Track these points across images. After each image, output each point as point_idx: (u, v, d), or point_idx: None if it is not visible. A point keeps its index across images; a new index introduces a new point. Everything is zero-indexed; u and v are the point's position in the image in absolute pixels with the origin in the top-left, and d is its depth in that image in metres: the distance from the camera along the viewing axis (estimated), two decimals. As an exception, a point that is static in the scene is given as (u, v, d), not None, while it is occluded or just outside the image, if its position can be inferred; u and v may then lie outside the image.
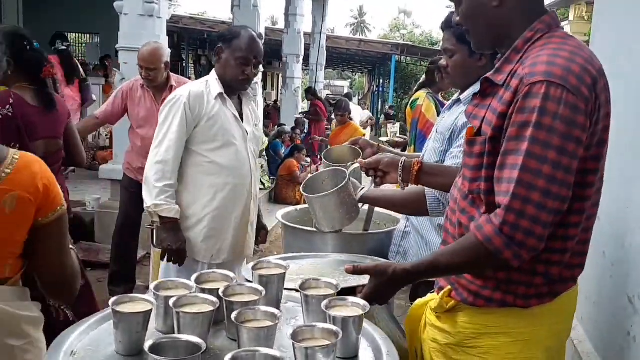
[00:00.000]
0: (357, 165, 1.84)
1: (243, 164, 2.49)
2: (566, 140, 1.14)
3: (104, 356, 1.14)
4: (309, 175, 1.81)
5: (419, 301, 1.54)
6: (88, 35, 13.61)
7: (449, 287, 1.36)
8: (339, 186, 1.69)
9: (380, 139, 8.46)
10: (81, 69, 6.42)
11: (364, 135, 7.72)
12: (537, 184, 1.14)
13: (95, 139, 8.60)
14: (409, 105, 4.37)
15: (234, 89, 2.49)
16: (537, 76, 1.16)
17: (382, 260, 1.93)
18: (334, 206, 1.72)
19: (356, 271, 1.38)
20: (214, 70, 2.52)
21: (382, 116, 12.02)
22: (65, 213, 1.33)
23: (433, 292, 1.50)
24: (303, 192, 1.77)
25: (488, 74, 1.31)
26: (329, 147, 2.07)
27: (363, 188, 2.21)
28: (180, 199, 2.42)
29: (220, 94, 2.43)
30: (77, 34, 13.96)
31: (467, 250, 1.24)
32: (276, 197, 7.81)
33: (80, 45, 14.16)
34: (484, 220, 1.20)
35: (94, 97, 6.69)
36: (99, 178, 6.66)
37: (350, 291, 1.44)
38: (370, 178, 2.43)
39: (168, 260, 2.42)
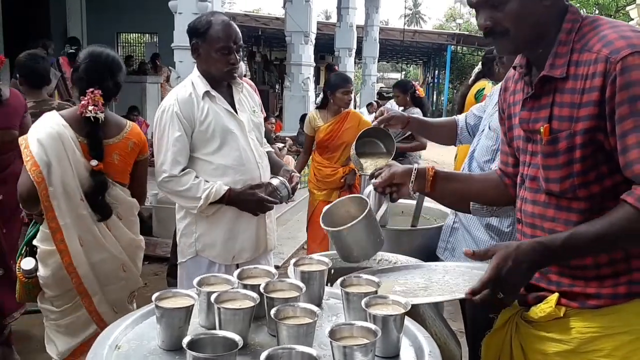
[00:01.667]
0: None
1: (248, 158, 2.37)
2: None
3: (147, 350, 1.17)
4: (324, 209, 1.67)
5: (499, 322, 1.47)
6: (148, 35, 14.06)
7: (556, 294, 1.31)
8: (366, 210, 1.55)
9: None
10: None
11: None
12: None
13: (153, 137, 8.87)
14: (470, 95, 4.24)
15: (222, 81, 2.38)
16: (623, 51, 1.18)
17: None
18: (365, 234, 1.58)
19: (477, 254, 1.29)
20: (195, 68, 2.40)
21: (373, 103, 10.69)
22: (147, 157, 2.43)
23: (507, 308, 1.44)
24: (325, 227, 1.60)
25: (544, 72, 1.29)
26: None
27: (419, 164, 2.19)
28: None
29: (206, 92, 2.32)
30: (136, 34, 14.46)
31: (623, 220, 1.17)
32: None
33: (140, 45, 14.66)
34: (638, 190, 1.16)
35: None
36: (157, 174, 6.87)
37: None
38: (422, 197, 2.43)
39: (262, 212, 2.38)
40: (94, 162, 2.18)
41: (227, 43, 2.28)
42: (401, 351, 1.21)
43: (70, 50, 6.55)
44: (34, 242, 2.24)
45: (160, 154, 2.31)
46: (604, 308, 1.27)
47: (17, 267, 2.29)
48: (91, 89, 2.16)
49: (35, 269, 2.22)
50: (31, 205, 2.19)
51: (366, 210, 1.55)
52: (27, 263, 2.24)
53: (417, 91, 5.30)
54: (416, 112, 5.07)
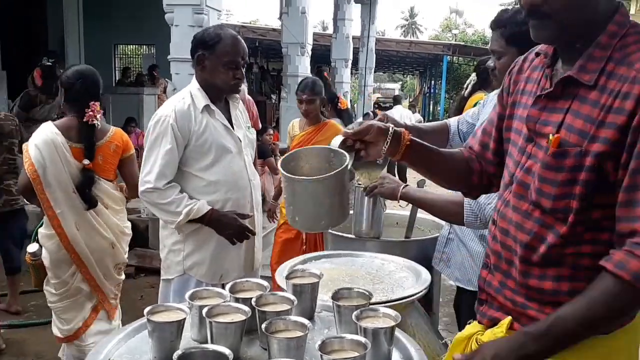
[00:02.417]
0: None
1: (240, 176, 2.35)
2: None
3: (139, 364, 1.18)
4: (291, 151, 1.52)
5: (459, 336, 1.39)
6: (145, 47, 14.09)
7: (508, 318, 1.24)
8: (342, 167, 1.32)
9: None
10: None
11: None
12: None
13: (144, 144, 8.89)
14: (468, 107, 4.25)
15: (224, 95, 2.37)
16: None
17: None
18: (335, 194, 1.35)
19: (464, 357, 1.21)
20: (194, 80, 2.36)
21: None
22: (133, 154, 2.93)
23: (471, 322, 1.39)
24: (283, 172, 1.39)
25: (571, 73, 1.16)
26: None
27: (407, 185, 2.20)
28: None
29: (206, 106, 2.29)
30: (133, 46, 14.50)
31: (608, 295, 1.05)
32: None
33: (137, 56, 14.69)
34: (622, 256, 1.05)
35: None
36: (153, 185, 6.88)
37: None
38: (422, 181, 2.42)
39: (240, 241, 2.32)
40: (86, 161, 2.71)
41: (235, 57, 2.28)
42: (392, 364, 1.21)
43: (48, 63, 6.52)
44: (39, 230, 2.77)
45: (147, 163, 2.27)
46: None
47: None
48: (92, 102, 2.70)
49: (40, 252, 2.75)
50: (29, 197, 2.81)
51: (345, 163, 1.33)
52: (32, 247, 2.78)
53: (340, 103, 5.31)
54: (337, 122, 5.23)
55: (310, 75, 3.44)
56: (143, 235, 5.02)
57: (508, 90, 1.38)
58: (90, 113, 2.68)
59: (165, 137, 2.24)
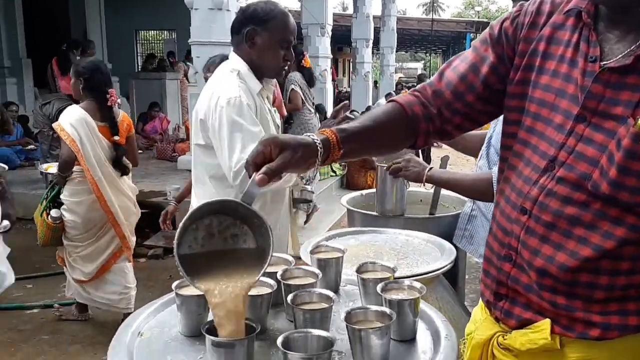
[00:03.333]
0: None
1: None
2: None
3: (168, 336, 1.20)
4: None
5: (475, 342, 1.25)
6: (166, 32, 14.17)
7: (547, 320, 1.09)
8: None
9: None
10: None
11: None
12: None
13: (175, 132, 9.00)
14: None
15: (266, 76, 2.13)
16: None
17: None
18: None
19: None
20: (236, 58, 2.10)
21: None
22: (134, 134, 3.67)
23: (469, 316, 1.31)
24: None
25: None
26: None
27: (431, 168, 2.19)
28: None
29: (260, 90, 2.10)
30: (155, 31, 14.58)
31: None
32: (347, 184, 7.84)
33: (158, 42, 14.78)
34: None
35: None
36: (178, 169, 7.01)
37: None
38: (446, 157, 2.38)
39: None
40: (116, 137, 3.41)
41: (288, 36, 2.07)
42: (417, 335, 1.22)
43: (63, 48, 7.27)
44: (62, 199, 3.36)
45: (234, 151, 1.93)
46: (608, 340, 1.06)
47: (44, 217, 3.33)
48: (110, 89, 3.39)
49: (61, 217, 3.34)
50: (68, 169, 3.31)
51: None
52: (55, 213, 3.33)
53: (304, 60, 5.75)
54: (298, 76, 5.65)
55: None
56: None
57: (513, 41, 1.18)
58: (113, 98, 3.37)
59: (248, 119, 1.96)
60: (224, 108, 1.95)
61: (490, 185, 1.88)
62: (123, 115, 3.55)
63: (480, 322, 1.26)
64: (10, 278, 2.75)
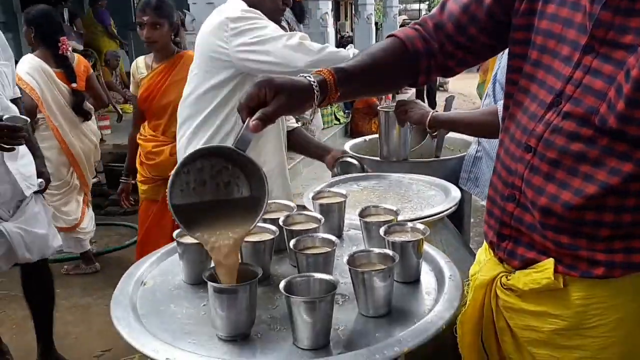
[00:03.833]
0: None
1: None
2: None
3: (172, 285, 1.20)
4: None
5: (479, 281, 1.22)
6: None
7: (551, 260, 1.07)
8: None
9: None
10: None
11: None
12: None
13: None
14: None
15: (268, 18, 2.02)
16: None
17: None
18: None
19: None
20: (235, 1, 2.02)
21: None
22: (93, 73, 3.86)
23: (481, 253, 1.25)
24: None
25: None
26: None
27: (435, 111, 2.14)
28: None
29: None
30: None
31: None
32: (352, 131, 7.79)
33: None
34: None
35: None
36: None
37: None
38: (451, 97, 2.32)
39: None
40: (74, 85, 3.52)
41: None
42: (422, 276, 1.21)
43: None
44: None
45: (280, 37, 1.88)
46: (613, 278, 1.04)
47: None
48: (62, 37, 3.45)
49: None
50: (33, 117, 3.19)
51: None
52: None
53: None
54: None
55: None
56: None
57: None
58: (64, 46, 3.45)
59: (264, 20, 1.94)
60: (238, 19, 1.91)
61: (497, 119, 1.84)
62: (78, 59, 3.66)
63: (484, 262, 1.25)
64: (58, 240, 2.64)
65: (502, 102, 1.88)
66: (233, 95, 2.00)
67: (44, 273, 2.65)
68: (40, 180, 2.55)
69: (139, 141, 2.92)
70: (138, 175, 2.94)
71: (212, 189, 1.05)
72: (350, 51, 1.97)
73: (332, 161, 2.23)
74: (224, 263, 1.01)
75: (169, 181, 1.00)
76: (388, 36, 1.26)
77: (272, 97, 1.01)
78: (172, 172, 1.01)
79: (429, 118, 2.08)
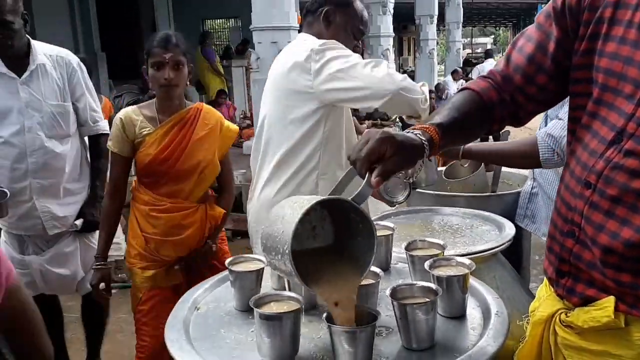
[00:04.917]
0: None
1: None
2: None
3: (223, 311, 1.26)
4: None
5: (537, 318, 1.20)
6: (233, 20, 14.41)
7: (612, 298, 1.04)
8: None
9: None
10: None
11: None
12: None
13: (242, 119, 9.21)
14: None
15: None
16: None
17: None
18: None
19: None
20: (306, 35, 2.02)
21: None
22: None
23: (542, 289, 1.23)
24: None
25: None
26: None
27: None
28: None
29: None
30: (221, 20, 14.87)
31: None
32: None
33: (224, 30, 15.07)
34: None
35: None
36: (243, 154, 7.18)
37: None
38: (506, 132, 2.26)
39: None
40: None
41: (363, 27, 2.08)
42: (467, 311, 1.21)
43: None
44: None
45: (366, 64, 1.86)
46: None
47: None
48: None
49: None
50: None
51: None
52: None
53: None
54: None
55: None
56: (237, 201, 5.25)
57: (577, 12, 1.10)
58: None
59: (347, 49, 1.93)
60: (320, 50, 1.88)
61: (535, 147, 1.80)
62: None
63: (544, 298, 1.23)
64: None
65: (542, 130, 1.86)
66: (317, 129, 1.96)
67: (95, 303, 2.60)
68: (80, 220, 2.45)
69: (149, 214, 2.17)
70: (134, 261, 2.20)
71: (321, 236, 1.08)
72: (425, 88, 1.98)
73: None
74: (345, 314, 1.02)
75: (292, 229, 0.94)
76: (462, 89, 1.29)
77: (392, 153, 1.02)
78: (298, 218, 0.95)
79: (461, 151, 2.03)
